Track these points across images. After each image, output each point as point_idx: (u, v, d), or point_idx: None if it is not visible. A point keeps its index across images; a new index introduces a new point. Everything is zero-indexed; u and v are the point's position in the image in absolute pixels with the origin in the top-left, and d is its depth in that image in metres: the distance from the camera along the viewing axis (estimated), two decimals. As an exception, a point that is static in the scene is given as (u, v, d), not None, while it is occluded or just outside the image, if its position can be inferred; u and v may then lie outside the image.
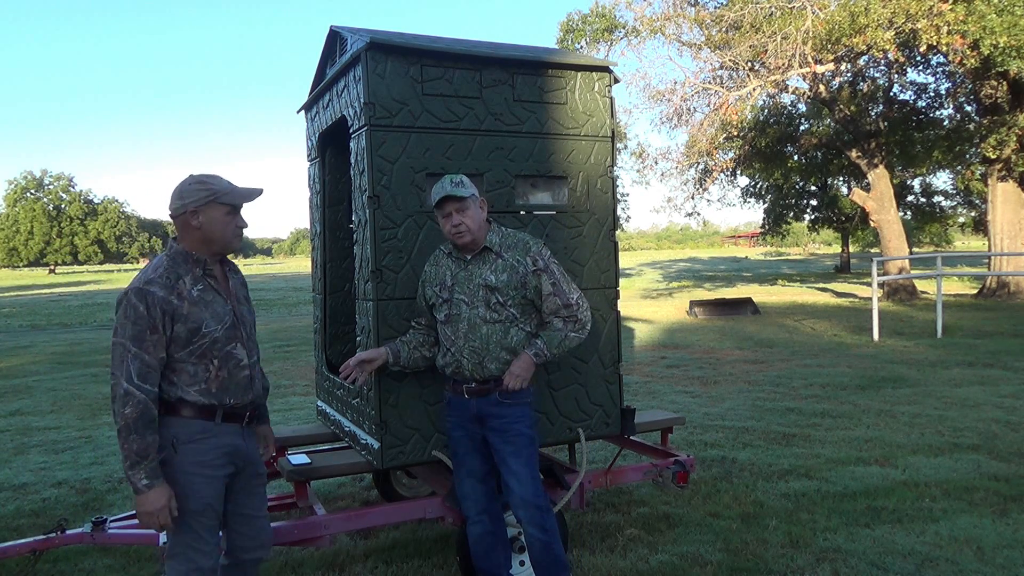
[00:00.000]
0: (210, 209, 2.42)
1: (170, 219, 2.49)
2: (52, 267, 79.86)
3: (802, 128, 24.20)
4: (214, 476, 2.44)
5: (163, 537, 3.04)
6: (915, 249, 37.97)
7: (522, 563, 3.30)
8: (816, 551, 3.71)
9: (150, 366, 2.31)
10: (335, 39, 3.70)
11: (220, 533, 2.56)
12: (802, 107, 23.79)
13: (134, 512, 3.60)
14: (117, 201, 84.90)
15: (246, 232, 2.64)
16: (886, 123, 20.15)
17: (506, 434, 2.91)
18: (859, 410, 6.74)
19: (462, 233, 2.84)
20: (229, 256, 2.62)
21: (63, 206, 79.74)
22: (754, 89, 15.70)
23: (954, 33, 12.89)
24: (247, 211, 2.62)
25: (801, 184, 32.10)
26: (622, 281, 8.96)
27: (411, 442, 3.22)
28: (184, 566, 2.42)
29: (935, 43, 13.15)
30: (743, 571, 3.52)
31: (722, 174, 22.74)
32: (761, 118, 22.06)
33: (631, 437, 3.96)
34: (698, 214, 23.37)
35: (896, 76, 20.13)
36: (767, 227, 35.20)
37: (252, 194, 2.52)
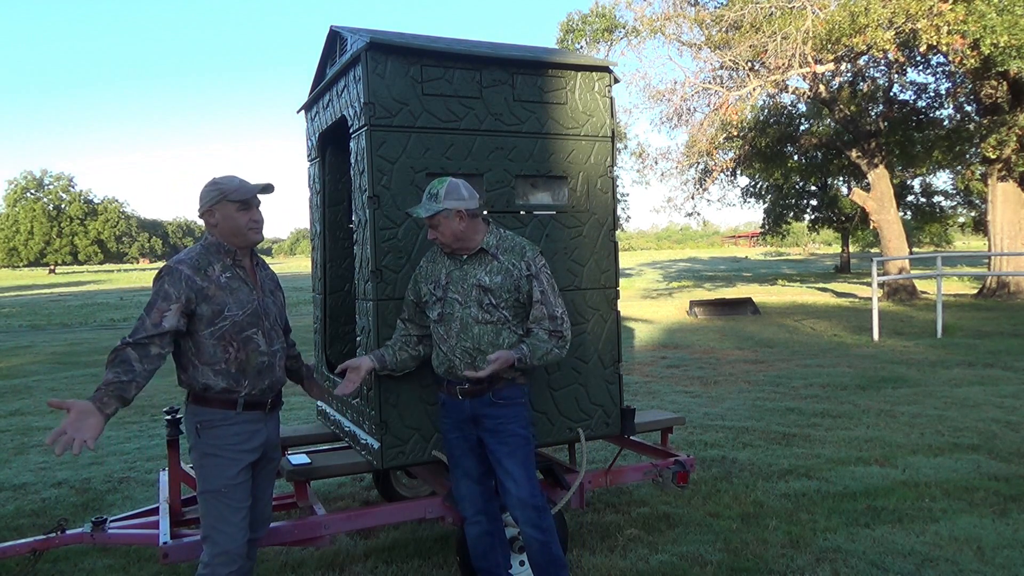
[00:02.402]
0: (222, 207, 2.60)
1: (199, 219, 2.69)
2: (52, 267, 79.85)
3: (802, 128, 24.19)
4: (234, 458, 2.57)
5: (163, 537, 3.04)
6: (915, 249, 37.96)
7: (522, 563, 3.30)
8: (816, 551, 3.72)
9: (146, 329, 2.46)
10: (335, 39, 3.70)
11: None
12: (802, 107, 23.78)
13: (134, 512, 3.62)
14: (117, 201, 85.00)
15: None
16: (886, 123, 20.15)
17: (500, 435, 2.90)
18: (859, 410, 6.74)
19: (441, 245, 2.91)
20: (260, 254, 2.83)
21: (63, 206, 79.77)
22: (754, 89, 15.70)
23: (954, 33, 12.89)
24: (265, 208, 2.83)
25: (801, 184, 32.09)
26: (622, 281, 8.89)
27: (411, 442, 3.22)
28: (211, 550, 2.56)
29: (935, 43, 13.15)
30: (743, 571, 3.52)
31: (722, 174, 22.73)
32: (761, 118, 22.05)
33: (631, 437, 3.96)
34: (698, 214, 23.38)
35: (896, 76, 20.13)
36: (767, 227, 35.19)
37: (257, 188, 2.66)
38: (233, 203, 2.60)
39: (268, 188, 2.67)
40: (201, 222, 2.71)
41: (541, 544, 2.93)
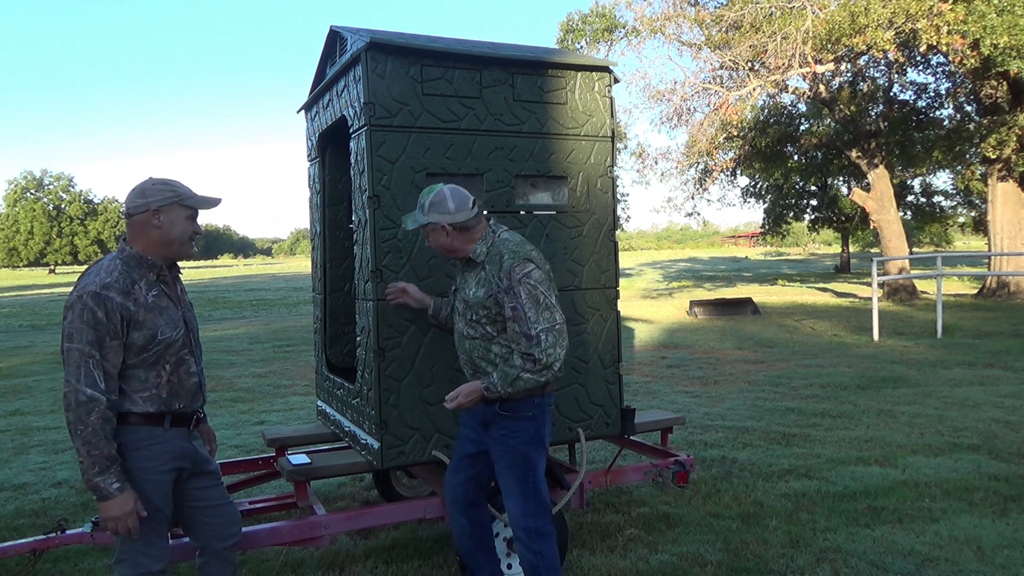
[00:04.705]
0: (172, 211, 2.42)
1: (126, 217, 2.46)
2: (52, 267, 79.83)
3: (802, 128, 24.20)
4: (162, 480, 2.45)
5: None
6: (915, 249, 37.96)
7: (509, 566, 3.28)
8: (816, 551, 3.72)
9: (110, 374, 2.30)
10: (335, 39, 3.70)
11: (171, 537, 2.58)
12: (802, 107, 23.79)
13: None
14: (117, 201, 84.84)
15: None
16: (886, 123, 20.15)
17: (501, 447, 2.80)
18: (859, 410, 6.74)
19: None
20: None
21: (63, 206, 79.70)
22: (754, 89, 15.70)
23: (954, 33, 12.90)
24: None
25: (801, 184, 32.10)
26: (622, 281, 8.90)
27: (411, 442, 3.22)
28: (132, 571, 2.43)
29: (935, 43, 13.16)
30: (743, 571, 3.52)
31: (722, 174, 22.74)
32: (761, 118, 22.06)
33: (631, 437, 3.96)
34: (698, 214, 23.39)
35: (896, 76, 20.13)
36: (767, 227, 35.19)
37: (211, 202, 2.53)
38: (185, 208, 2.44)
39: (217, 201, 2.54)
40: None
41: (532, 566, 2.81)
